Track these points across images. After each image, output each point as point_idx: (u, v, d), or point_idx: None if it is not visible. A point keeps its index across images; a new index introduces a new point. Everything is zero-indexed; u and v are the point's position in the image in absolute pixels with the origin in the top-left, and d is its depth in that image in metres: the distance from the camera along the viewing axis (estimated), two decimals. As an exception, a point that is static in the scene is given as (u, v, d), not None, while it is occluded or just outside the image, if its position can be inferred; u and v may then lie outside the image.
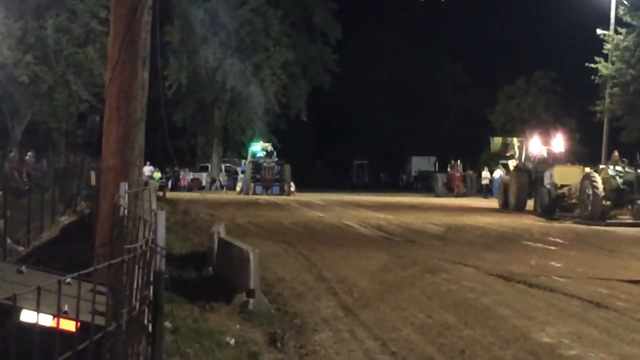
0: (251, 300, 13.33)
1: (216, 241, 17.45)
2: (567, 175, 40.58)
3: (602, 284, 16.61)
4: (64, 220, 28.25)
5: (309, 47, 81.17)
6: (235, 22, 72.27)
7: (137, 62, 12.51)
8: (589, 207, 36.28)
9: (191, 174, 75.12)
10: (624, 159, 39.03)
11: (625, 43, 57.77)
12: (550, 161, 45.12)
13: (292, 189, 60.24)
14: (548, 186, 41.23)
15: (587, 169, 38.99)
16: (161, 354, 7.20)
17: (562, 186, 40.30)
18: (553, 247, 24.90)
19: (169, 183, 65.50)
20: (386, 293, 15.30)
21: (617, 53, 58.24)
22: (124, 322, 5.82)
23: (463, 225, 32.56)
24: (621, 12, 57.58)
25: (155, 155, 54.12)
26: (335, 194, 61.69)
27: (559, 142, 47.96)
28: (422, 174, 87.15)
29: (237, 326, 11.99)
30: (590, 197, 36.19)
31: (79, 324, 5.04)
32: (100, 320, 5.45)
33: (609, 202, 36.50)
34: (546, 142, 48.20)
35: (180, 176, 71.07)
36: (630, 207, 36.66)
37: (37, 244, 21.63)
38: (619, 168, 37.57)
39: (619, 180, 36.51)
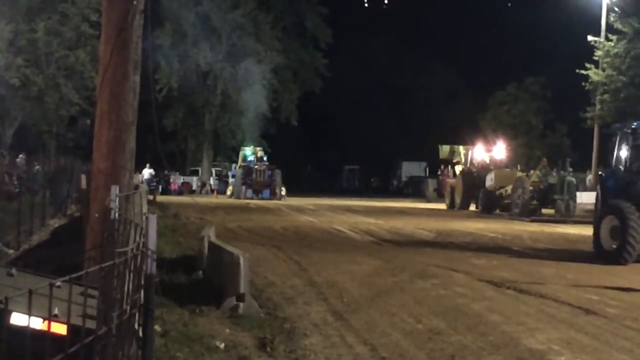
0: (241, 305, 13.33)
1: (206, 245, 17.44)
2: (503, 179, 47.30)
3: (592, 291, 16.64)
4: (54, 223, 28.20)
5: (300, 51, 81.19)
6: (226, 26, 72.28)
7: (129, 66, 12.48)
8: (520, 206, 42.56)
9: (182, 177, 75.04)
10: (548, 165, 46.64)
11: (615, 50, 57.89)
12: (492, 166, 51.07)
13: (283, 193, 60.23)
14: (488, 188, 47.90)
15: (519, 173, 47.12)
16: (151, 357, 7.19)
17: (500, 188, 47.03)
18: (543, 253, 24.94)
19: (160, 187, 65.36)
20: (376, 298, 15.30)
21: (608, 60, 58.36)
22: (115, 325, 5.82)
23: (453, 230, 32.60)
24: (612, 19, 57.70)
25: (145, 159, 54.05)
26: (325, 198, 61.74)
27: (500, 150, 53.71)
28: (413, 179, 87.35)
29: (227, 330, 11.99)
30: (520, 197, 42.71)
31: (69, 327, 5.03)
32: (91, 324, 5.45)
33: (536, 202, 42.88)
34: (489, 150, 53.89)
35: (171, 180, 70.96)
36: (553, 205, 42.33)
37: (27, 247, 21.59)
38: (545, 172, 44.95)
39: (545, 183, 43.05)
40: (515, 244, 27.71)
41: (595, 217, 25.01)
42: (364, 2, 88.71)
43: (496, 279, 17.86)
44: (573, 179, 43.09)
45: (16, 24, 52.03)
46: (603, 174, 25.34)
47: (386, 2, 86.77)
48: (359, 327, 12.58)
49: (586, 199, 58.38)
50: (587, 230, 33.42)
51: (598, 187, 25.17)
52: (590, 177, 61.87)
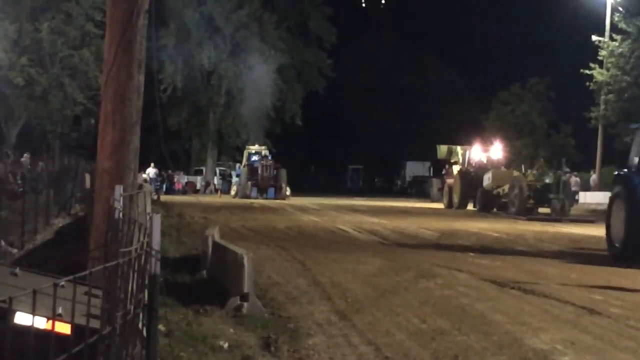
0: (245, 304, 13.32)
1: (210, 245, 17.43)
2: (501, 178, 48.20)
3: (596, 291, 16.61)
4: (59, 222, 28.23)
5: (304, 51, 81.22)
6: (230, 26, 72.34)
7: (133, 66, 12.49)
8: (516, 204, 43.77)
9: (185, 177, 75.08)
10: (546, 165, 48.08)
11: (620, 50, 57.92)
12: (489, 166, 51.96)
13: (288, 193, 60.06)
14: (486, 187, 49.03)
15: (516, 173, 48.07)
16: (155, 357, 7.20)
17: (497, 187, 47.94)
18: (547, 253, 24.92)
19: (164, 186, 65.35)
20: (380, 298, 15.29)
21: (612, 59, 58.40)
22: (119, 325, 5.82)
23: (457, 230, 32.58)
24: (616, 19, 57.75)
25: (149, 159, 54.06)
26: (329, 198, 61.71)
27: (497, 150, 54.43)
28: (417, 179, 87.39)
29: (231, 330, 11.98)
30: (517, 196, 43.92)
31: (73, 326, 5.04)
32: (95, 323, 5.45)
33: (532, 201, 44.19)
34: (486, 150, 54.70)
35: (175, 179, 70.98)
36: (548, 204, 43.53)
37: (31, 247, 21.60)
38: (541, 172, 45.67)
39: (541, 182, 44.13)
40: (519, 244, 27.69)
41: (607, 217, 24.34)
42: (362, 2, 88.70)
43: (500, 278, 17.84)
44: (577, 179, 44.17)
45: (20, 23, 52.06)
46: (627, 174, 24.17)
47: (383, 1, 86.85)
48: (362, 327, 12.57)
49: (590, 198, 58.71)
50: (590, 230, 33.59)
51: (618, 187, 24.12)
52: (594, 177, 61.91)
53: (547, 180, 43.96)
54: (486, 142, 56.55)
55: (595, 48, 59.34)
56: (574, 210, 49.53)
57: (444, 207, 53.29)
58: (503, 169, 51.42)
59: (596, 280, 18.42)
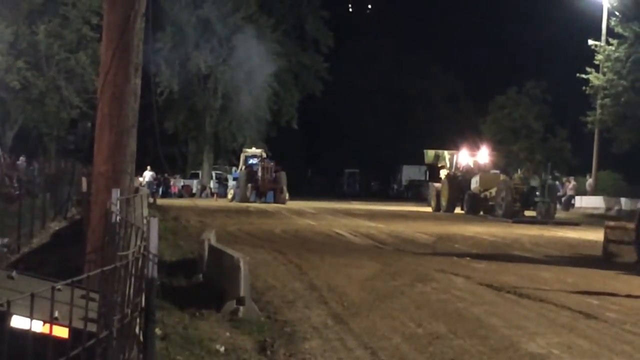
0: (241, 308, 13.32)
1: (206, 248, 17.43)
2: (488, 182, 49.36)
3: (592, 295, 16.64)
4: (55, 226, 28.20)
5: (301, 55, 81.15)
6: (227, 30, 72.24)
7: (130, 69, 12.49)
8: (503, 207, 44.83)
9: (182, 180, 74.96)
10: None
11: (616, 54, 57.98)
12: (476, 170, 52.89)
13: (286, 197, 59.57)
14: (473, 190, 50.16)
15: (503, 177, 49.12)
16: (152, 361, 7.20)
17: (485, 190, 49.20)
18: (543, 257, 24.93)
19: (160, 190, 65.33)
20: (376, 302, 15.30)
21: (609, 64, 58.45)
22: (116, 329, 5.82)
23: (453, 234, 32.57)
24: (612, 23, 57.79)
25: (146, 162, 54.01)
26: (326, 202, 61.66)
27: (483, 154, 55.37)
28: (413, 182, 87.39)
29: (227, 334, 11.99)
30: (504, 199, 45.07)
31: (71, 330, 5.03)
32: (92, 327, 5.45)
33: (519, 204, 45.13)
34: (473, 154, 55.64)
35: (171, 183, 70.91)
36: (534, 207, 44.31)
37: (27, 250, 21.58)
38: (526, 175, 47.04)
39: (527, 186, 45.16)
40: (515, 248, 27.70)
41: (636, 225, 23.52)
42: (349, 7, 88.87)
43: (496, 283, 17.86)
44: (574, 183, 44.72)
45: (17, 26, 52.01)
46: None
47: (370, 6, 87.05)
48: (359, 330, 12.57)
49: (586, 203, 58.70)
50: (586, 234, 33.63)
51: None
52: (590, 181, 61.92)
53: (533, 184, 44.72)
54: (473, 146, 57.28)
55: (592, 52, 59.41)
56: (571, 215, 49.88)
57: (432, 210, 53.90)
58: (493, 171, 52.32)
59: (592, 284, 18.44)
